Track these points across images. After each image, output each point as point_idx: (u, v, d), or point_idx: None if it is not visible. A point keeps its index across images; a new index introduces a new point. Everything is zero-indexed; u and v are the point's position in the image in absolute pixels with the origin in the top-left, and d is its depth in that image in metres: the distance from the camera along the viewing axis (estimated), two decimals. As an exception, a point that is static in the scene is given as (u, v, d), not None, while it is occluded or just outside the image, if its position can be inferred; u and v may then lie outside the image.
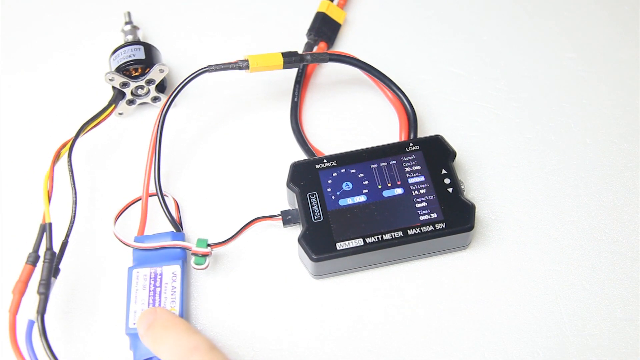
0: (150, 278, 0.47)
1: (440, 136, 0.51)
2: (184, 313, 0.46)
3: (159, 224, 0.51)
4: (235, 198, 0.53)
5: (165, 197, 0.51)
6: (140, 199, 0.51)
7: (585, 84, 0.59)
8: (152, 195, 0.51)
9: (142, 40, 0.60)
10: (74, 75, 0.61)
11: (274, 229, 0.51)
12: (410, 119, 0.55)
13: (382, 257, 0.48)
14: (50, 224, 0.47)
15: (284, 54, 0.54)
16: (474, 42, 0.62)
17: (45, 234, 0.46)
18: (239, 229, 0.49)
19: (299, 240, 0.48)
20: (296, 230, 0.50)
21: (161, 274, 0.47)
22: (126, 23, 0.61)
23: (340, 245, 0.47)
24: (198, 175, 0.55)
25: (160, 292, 0.46)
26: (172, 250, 0.49)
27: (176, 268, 0.47)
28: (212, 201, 0.53)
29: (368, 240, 0.47)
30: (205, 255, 0.47)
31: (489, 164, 0.54)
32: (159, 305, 0.46)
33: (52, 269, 0.46)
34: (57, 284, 0.49)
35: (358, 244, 0.47)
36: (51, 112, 0.59)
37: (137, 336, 0.45)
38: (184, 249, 0.49)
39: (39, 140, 0.56)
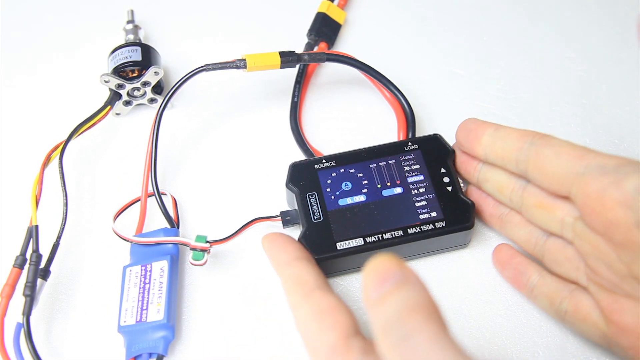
0: (141, 275, 0.47)
1: (439, 135, 0.51)
2: (171, 309, 0.46)
3: (158, 224, 0.51)
4: (235, 198, 0.53)
5: (163, 195, 0.51)
6: (139, 199, 0.51)
7: (585, 84, 0.59)
8: (150, 195, 0.51)
9: (143, 39, 0.61)
10: (75, 77, 0.61)
11: (274, 229, 0.51)
12: (408, 118, 0.55)
13: (381, 257, 0.48)
14: (36, 227, 0.47)
15: (282, 54, 0.54)
16: (474, 42, 0.62)
17: (32, 236, 0.47)
18: (238, 228, 0.49)
19: (299, 241, 0.47)
20: (296, 231, 0.50)
21: (150, 271, 0.47)
22: (128, 22, 0.61)
23: (340, 245, 0.47)
24: (197, 175, 0.55)
25: (149, 288, 0.47)
26: (163, 246, 0.49)
27: (164, 264, 0.47)
28: (212, 201, 0.53)
29: (368, 239, 0.47)
30: (203, 251, 0.47)
31: (489, 164, 0.54)
32: (147, 302, 0.46)
33: (38, 271, 0.46)
34: (51, 284, 0.49)
35: (358, 244, 0.47)
36: (51, 114, 0.59)
37: (129, 334, 0.45)
38: (179, 244, 0.49)
39: (39, 141, 0.56)
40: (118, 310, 0.46)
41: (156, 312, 0.45)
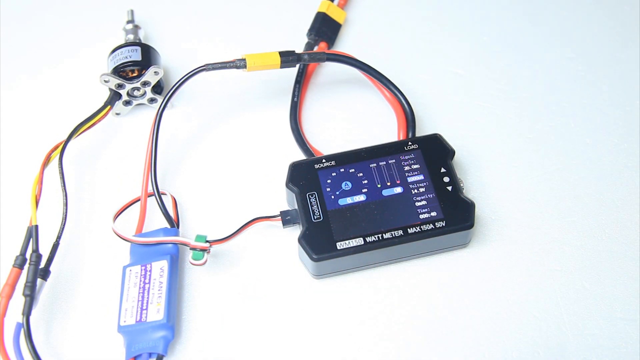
0: (141, 275, 0.47)
1: (439, 135, 0.51)
2: (171, 309, 0.46)
3: (158, 224, 0.51)
4: (235, 198, 0.53)
5: (163, 195, 0.51)
6: (139, 199, 0.51)
7: (585, 84, 0.59)
8: (150, 195, 0.51)
9: (143, 39, 0.60)
10: (75, 77, 0.61)
11: (274, 229, 0.51)
12: (408, 118, 0.55)
13: (382, 256, 0.48)
14: (36, 227, 0.47)
15: (282, 53, 0.54)
16: (474, 42, 0.62)
17: (31, 236, 0.47)
18: (238, 228, 0.49)
19: (299, 240, 0.47)
20: (296, 231, 0.50)
21: (150, 271, 0.47)
22: (128, 22, 0.61)
23: (340, 245, 0.47)
24: (197, 175, 0.55)
25: (148, 288, 0.47)
26: (162, 246, 0.49)
27: (164, 264, 0.47)
28: (211, 201, 0.53)
29: (368, 239, 0.47)
30: (203, 250, 0.47)
31: (489, 164, 0.54)
32: (147, 302, 0.46)
33: (38, 271, 0.46)
34: (51, 284, 0.49)
35: (358, 243, 0.47)
36: (51, 113, 0.59)
37: (129, 334, 0.45)
38: (179, 244, 0.49)
39: (39, 141, 0.56)
40: (118, 310, 0.46)
41: (156, 312, 0.45)
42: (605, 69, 0.60)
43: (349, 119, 0.58)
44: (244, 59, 0.53)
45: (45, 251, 0.47)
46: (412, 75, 0.59)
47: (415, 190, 0.49)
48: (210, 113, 0.58)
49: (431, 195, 0.48)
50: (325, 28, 0.62)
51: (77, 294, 0.50)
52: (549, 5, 0.64)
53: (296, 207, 0.49)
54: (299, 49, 0.60)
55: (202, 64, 0.52)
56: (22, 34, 0.64)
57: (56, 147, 0.51)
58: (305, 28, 0.62)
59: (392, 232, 0.47)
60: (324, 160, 0.51)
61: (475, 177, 0.54)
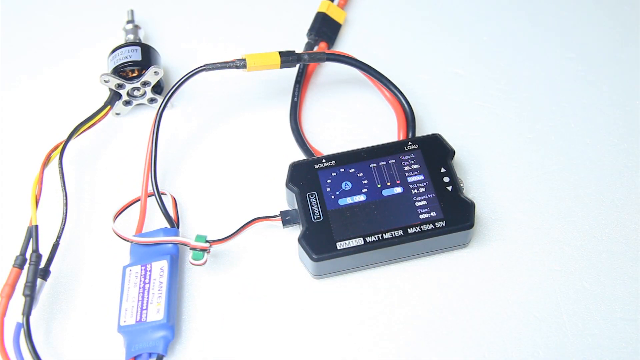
0: (141, 275, 0.47)
1: (439, 135, 0.51)
2: (171, 309, 0.46)
3: (158, 224, 0.51)
4: (235, 198, 0.53)
5: (163, 195, 0.51)
6: (139, 199, 0.51)
7: (585, 84, 0.59)
8: (150, 195, 0.51)
9: (143, 39, 0.60)
10: (75, 77, 0.61)
11: (274, 229, 0.51)
12: (408, 118, 0.55)
13: (382, 256, 0.48)
14: (36, 227, 0.47)
15: (282, 53, 0.54)
16: (474, 42, 0.62)
17: (31, 236, 0.47)
18: (238, 228, 0.49)
19: (299, 240, 0.48)
20: (296, 230, 0.50)
21: (150, 271, 0.47)
22: (128, 22, 0.61)
23: (340, 245, 0.47)
24: (197, 175, 0.55)
25: (148, 288, 0.47)
26: (163, 246, 0.49)
27: (164, 263, 0.47)
28: (211, 201, 0.53)
29: (368, 239, 0.47)
30: (203, 250, 0.47)
31: (489, 164, 0.54)
32: (147, 302, 0.46)
33: (38, 271, 0.46)
34: (51, 284, 0.49)
35: (358, 243, 0.47)
36: (51, 113, 0.59)
37: (129, 334, 0.45)
38: (179, 244, 0.49)
39: (39, 141, 0.56)
40: (118, 310, 0.46)
41: (156, 312, 0.45)
42: (605, 69, 0.60)
43: (349, 119, 0.58)
44: (244, 59, 0.53)
45: (45, 251, 0.47)
46: (412, 75, 0.59)
47: (415, 190, 0.49)
48: (210, 113, 0.59)
49: (431, 195, 0.48)
50: (325, 28, 0.62)
51: (77, 294, 0.50)
52: (549, 5, 0.64)
53: (296, 207, 0.49)
54: (299, 49, 0.60)
55: (202, 64, 0.52)
56: (22, 34, 0.64)
57: (56, 147, 0.51)
58: (305, 28, 0.62)
59: (392, 232, 0.47)
60: (324, 160, 0.51)
61: (475, 177, 0.54)
